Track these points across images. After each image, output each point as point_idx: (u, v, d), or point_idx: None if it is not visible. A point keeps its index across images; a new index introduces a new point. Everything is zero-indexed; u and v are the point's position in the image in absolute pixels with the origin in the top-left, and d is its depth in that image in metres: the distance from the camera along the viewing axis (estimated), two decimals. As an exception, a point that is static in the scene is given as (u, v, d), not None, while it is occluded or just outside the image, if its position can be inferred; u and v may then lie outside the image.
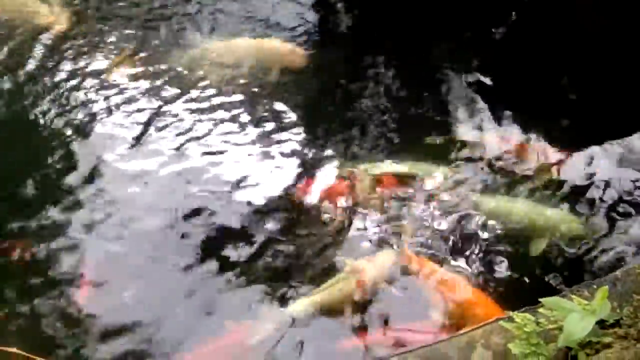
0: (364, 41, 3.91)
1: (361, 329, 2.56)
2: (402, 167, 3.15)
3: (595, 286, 2.18)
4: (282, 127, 3.37)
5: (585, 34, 3.51)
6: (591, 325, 1.66)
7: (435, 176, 3.11)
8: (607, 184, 2.98)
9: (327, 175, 3.13)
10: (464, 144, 3.31)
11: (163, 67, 3.71)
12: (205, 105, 3.48)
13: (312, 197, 3.01)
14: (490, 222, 2.90)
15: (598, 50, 3.46)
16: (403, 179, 3.09)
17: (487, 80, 3.62)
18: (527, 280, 2.64)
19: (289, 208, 2.97)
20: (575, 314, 1.71)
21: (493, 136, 3.33)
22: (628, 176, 3.01)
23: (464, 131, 3.36)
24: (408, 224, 2.91)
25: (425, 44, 3.80)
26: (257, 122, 3.39)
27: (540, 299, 1.87)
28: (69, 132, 3.33)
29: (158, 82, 3.61)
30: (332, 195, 3.01)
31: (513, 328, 1.90)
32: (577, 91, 3.47)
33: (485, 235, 2.87)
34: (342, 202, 3.00)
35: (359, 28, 4.04)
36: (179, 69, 3.69)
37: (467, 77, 3.66)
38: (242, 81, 3.62)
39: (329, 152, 3.27)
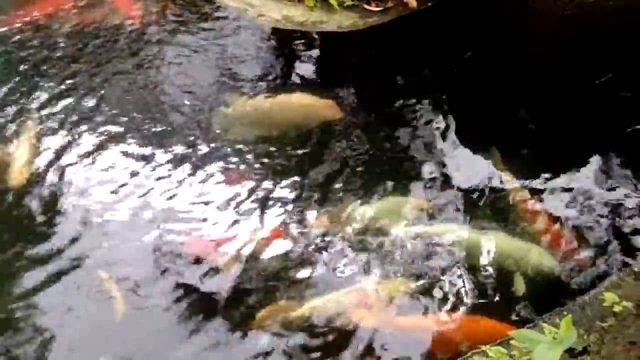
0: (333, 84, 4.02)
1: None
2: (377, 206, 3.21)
3: (565, 312, 2.26)
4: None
5: (540, 66, 3.67)
6: (558, 356, 1.71)
7: (407, 211, 3.19)
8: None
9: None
10: (433, 179, 3.39)
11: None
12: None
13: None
14: (464, 254, 2.96)
15: (553, 81, 3.61)
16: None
17: (451, 115, 3.73)
18: (500, 310, 2.69)
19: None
20: (543, 345, 1.77)
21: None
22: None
23: (433, 168, 3.44)
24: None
25: (386, 86, 3.92)
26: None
27: (510, 332, 1.92)
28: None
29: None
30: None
31: (487, 362, 1.96)
32: (535, 122, 3.61)
33: (460, 267, 2.93)
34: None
35: (323, 72, 4.15)
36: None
37: (431, 114, 3.76)
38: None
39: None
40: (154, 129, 3.60)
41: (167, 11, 4.41)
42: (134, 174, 3.34)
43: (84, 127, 3.59)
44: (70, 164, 3.39)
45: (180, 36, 4.22)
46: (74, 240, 3.03)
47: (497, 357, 1.91)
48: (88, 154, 3.44)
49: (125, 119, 3.65)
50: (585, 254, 2.94)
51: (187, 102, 3.77)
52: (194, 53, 4.11)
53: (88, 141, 3.52)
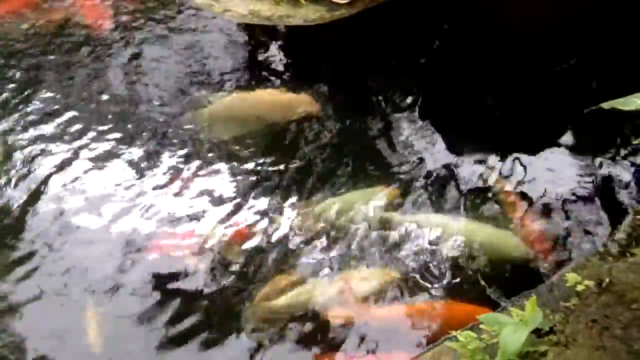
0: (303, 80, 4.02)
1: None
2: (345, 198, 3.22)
3: (533, 295, 2.31)
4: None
5: (509, 52, 3.72)
6: (524, 337, 1.75)
7: (378, 200, 3.21)
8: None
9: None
10: (406, 169, 3.42)
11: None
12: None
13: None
14: (435, 241, 3.00)
15: (520, 66, 3.67)
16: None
17: (423, 104, 3.76)
18: (470, 294, 2.73)
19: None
20: (509, 327, 1.81)
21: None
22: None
23: (407, 157, 3.47)
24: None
25: (357, 78, 3.94)
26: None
27: (478, 317, 1.96)
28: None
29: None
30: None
31: (458, 347, 1.99)
32: (502, 109, 3.66)
33: (431, 253, 2.96)
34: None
35: (293, 69, 4.16)
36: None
37: (403, 104, 3.80)
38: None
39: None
40: (129, 131, 3.55)
41: (133, 11, 4.39)
42: (104, 180, 3.29)
43: (49, 129, 3.54)
44: (33, 169, 3.32)
45: (148, 36, 4.20)
46: (34, 246, 2.96)
47: (467, 342, 1.95)
48: (53, 157, 3.38)
49: (94, 123, 3.60)
50: (555, 236, 3.00)
51: (159, 104, 3.75)
52: (163, 53, 4.09)
53: (53, 143, 3.46)
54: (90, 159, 3.39)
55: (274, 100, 3.72)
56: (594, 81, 3.71)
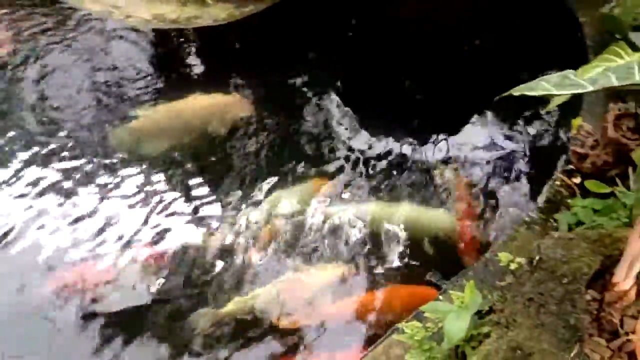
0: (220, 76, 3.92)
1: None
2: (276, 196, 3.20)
3: (470, 272, 2.37)
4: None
5: (420, 35, 3.79)
6: (466, 323, 1.79)
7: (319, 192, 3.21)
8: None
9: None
10: (337, 158, 3.43)
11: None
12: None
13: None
14: (376, 226, 3.03)
15: (432, 48, 3.75)
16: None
17: (344, 93, 3.78)
18: (415, 277, 2.79)
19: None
20: (452, 315, 1.85)
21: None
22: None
23: (336, 147, 3.48)
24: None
25: (278, 71, 3.90)
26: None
27: (421, 308, 2.00)
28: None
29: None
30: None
31: (406, 339, 2.02)
32: (419, 91, 3.73)
33: (373, 239, 3.00)
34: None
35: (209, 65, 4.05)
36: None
37: (324, 94, 3.79)
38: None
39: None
40: (44, 157, 3.36)
41: (33, 33, 4.12)
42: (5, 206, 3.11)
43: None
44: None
45: (54, 55, 3.98)
46: None
47: (414, 333, 1.98)
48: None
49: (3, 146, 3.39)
50: (485, 211, 3.09)
51: (75, 125, 3.55)
52: (71, 70, 3.89)
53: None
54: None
55: (205, 105, 3.59)
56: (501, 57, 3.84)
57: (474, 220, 3.01)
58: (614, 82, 1.55)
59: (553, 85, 1.56)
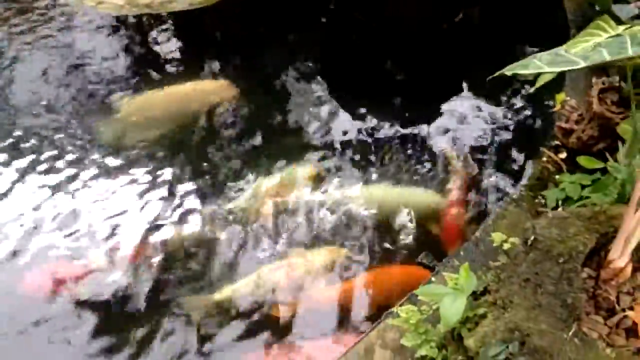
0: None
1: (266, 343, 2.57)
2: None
3: (462, 252, 2.36)
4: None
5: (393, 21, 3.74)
6: (463, 306, 1.78)
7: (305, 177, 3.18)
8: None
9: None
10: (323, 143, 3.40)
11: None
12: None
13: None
14: (366, 208, 3.01)
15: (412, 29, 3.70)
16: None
17: (325, 74, 3.73)
18: (407, 257, 2.78)
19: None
20: (448, 297, 1.84)
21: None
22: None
23: (321, 132, 3.44)
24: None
25: (260, 56, 3.83)
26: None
27: (415, 291, 1.98)
28: None
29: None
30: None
31: (401, 323, 2.01)
32: (400, 72, 3.70)
33: (365, 220, 2.98)
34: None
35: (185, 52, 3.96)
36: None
37: (306, 78, 3.74)
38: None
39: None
40: (26, 152, 3.25)
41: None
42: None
43: None
44: None
45: (26, 47, 3.84)
46: None
47: (409, 316, 1.97)
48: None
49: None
50: (475, 186, 3.09)
51: (58, 117, 3.44)
52: (46, 62, 3.76)
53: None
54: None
55: (190, 91, 3.53)
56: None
57: (462, 208, 3.01)
58: (606, 57, 1.53)
59: (545, 63, 1.54)
